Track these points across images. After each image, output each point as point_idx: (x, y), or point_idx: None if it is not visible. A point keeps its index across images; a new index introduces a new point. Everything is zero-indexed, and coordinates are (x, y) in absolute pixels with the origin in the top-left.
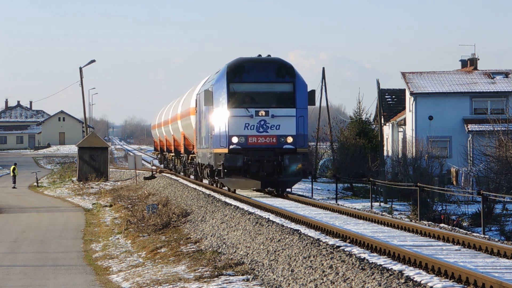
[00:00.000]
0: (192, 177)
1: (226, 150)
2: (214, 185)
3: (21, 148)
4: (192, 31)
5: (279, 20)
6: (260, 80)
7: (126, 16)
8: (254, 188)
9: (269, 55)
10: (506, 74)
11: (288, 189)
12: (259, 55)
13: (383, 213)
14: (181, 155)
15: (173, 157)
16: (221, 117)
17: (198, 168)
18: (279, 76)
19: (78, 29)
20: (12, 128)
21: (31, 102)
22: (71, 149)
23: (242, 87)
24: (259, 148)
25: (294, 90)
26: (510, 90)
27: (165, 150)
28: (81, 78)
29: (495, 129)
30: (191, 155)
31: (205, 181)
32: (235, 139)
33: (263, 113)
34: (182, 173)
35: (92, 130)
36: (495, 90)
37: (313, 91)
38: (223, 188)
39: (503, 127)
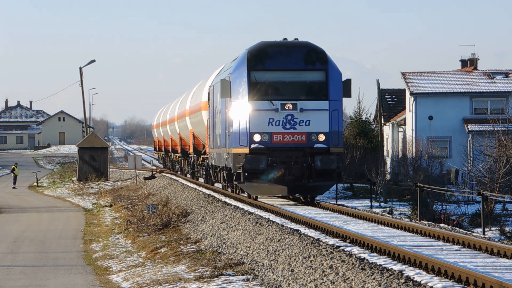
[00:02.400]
0: (201, 180)
1: (246, 150)
2: (230, 190)
3: (21, 148)
4: (192, 31)
5: (279, 20)
6: (286, 68)
7: (126, 16)
8: (279, 195)
9: (296, 39)
10: (506, 74)
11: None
12: (285, 39)
13: (383, 213)
14: (190, 155)
15: (179, 158)
16: (241, 112)
17: (211, 171)
18: (308, 63)
19: (78, 29)
20: (12, 128)
21: (31, 102)
22: (71, 149)
23: (265, 76)
24: (285, 148)
25: (327, 79)
26: (510, 90)
27: (170, 150)
28: (81, 78)
29: (495, 129)
30: (203, 156)
31: (217, 185)
32: (257, 137)
33: (290, 106)
34: (189, 175)
35: (92, 130)
36: (495, 90)
37: (348, 81)
38: (241, 194)
39: (503, 127)
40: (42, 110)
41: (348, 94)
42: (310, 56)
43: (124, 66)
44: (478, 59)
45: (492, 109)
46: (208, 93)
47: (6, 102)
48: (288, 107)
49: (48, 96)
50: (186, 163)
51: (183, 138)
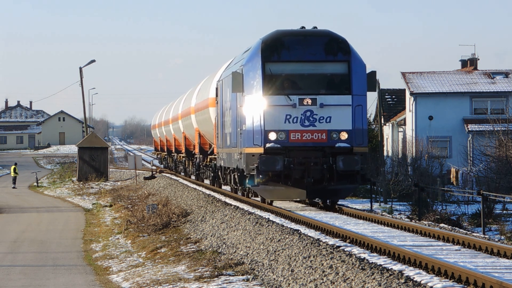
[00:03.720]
0: (207, 182)
1: (261, 150)
2: (239, 193)
3: (21, 148)
4: (192, 31)
5: (279, 21)
6: (305, 59)
7: (126, 17)
8: (297, 199)
9: (315, 27)
10: (506, 74)
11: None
12: (302, 27)
13: (383, 213)
14: (195, 156)
15: (183, 159)
16: (255, 107)
17: (220, 173)
18: (329, 53)
19: (78, 29)
20: (12, 128)
21: (31, 102)
22: (71, 149)
23: (281, 68)
24: (304, 147)
25: (350, 71)
26: (510, 90)
27: (173, 150)
28: (81, 78)
29: (495, 129)
30: (210, 157)
31: (225, 188)
32: (272, 136)
33: (309, 101)
34: (193, 177)
35: (92, 130)
36: (495, 90)
37: (373, 73)
38: (253, 198)
39: (503, 127)
40: (42, 110)
41: (372, 87)
42: (331, 46)
43: (124, 66)
44: (478, 59)
45: (492, 109)
46: (217, 88)
47: (6, 102)
48: (307, 102)
49: (48, 96)
50: (190, 164)
51: (187, 138)
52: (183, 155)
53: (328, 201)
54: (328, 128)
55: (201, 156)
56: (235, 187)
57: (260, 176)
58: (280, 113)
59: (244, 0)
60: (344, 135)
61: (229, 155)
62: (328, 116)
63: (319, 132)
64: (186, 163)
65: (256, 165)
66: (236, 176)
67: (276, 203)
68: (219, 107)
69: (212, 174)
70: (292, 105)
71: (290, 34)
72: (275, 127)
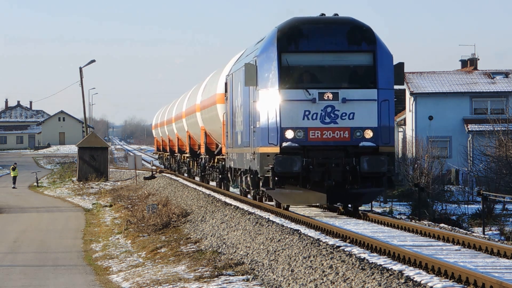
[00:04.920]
0: (213, 184)
1: (277, 149)
2: (250, 196)
3: (21, 148)
4: (192, 32)
5: (277, 20)
6: (325, 49)
7: (126, 17)
8: (317, 204)
9: (335, 14)
10: (506, 74)
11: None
12: (322, 14)
13: (383, 213)
14: (201, 156)
15: (187, 159)
16: (270, 103)
17: (229, 174)
18: (352, 43)
19: (78, 30)
20: (12, 128)
21: (31, 102)
22: (71, 149)
23: (299, 59)
24: (324, 147)
25: (375, 63)
26: (510, 90)
27: (176, 151)
28: (81, 78)
29: (495, 129)
30: (218, 157)
31: (233, 191)
32: (290, 134)
33: (330, 96)
34: (198, 178)
35: (92, 130)
36: (495, 90)
37: (401, 65)
38: (267, 202)
39: (503, 127)
40: (42, 110)
41: (400, 81)
42: (354, 34)
43: (124, 66)
44: (478, 59)
45: (492, 109)
46: (226, 83)
47: (6, 102)
48: (328, 96)
49: (48, 96)
50: (195, 164)
51: (192, 137)
52: (187, 155)
53: (350, 206)
54: (351, 126)
55: (207, 156)
56: (246, 190)
57: (276, 178)
58: (298, 109)
59: (244, 0)
60: (369, 133)
61: (240, 155)
62: (351, 112)
63: (341, 130)
64: (191, 163)
65: (271, 166)
66: (248, 179)
67: (292, 208)
68: (229, 104)
69: (220, 176)
70: (311, 100)
71: (308, 21)
72: (292, 125)
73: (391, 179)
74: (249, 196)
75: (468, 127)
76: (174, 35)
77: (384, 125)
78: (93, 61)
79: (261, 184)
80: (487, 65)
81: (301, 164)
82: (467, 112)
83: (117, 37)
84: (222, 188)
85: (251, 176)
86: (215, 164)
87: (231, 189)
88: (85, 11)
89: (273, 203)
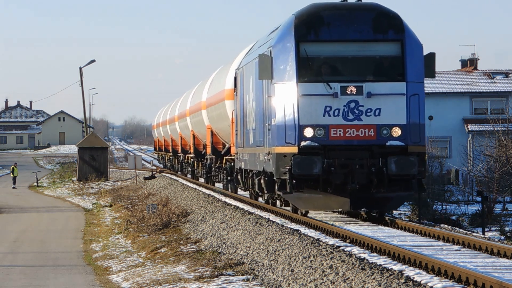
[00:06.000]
0: (219, 185)
1: (295, 149)
2: (260, 200)
3: (21, 148)
4: (192, 32)
5: (276, 20)
6: (348, 38)
7: (127, 17)
8: (340, 209)
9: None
10: (506, 74)
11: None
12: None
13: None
14: (207, 157)
15: (191, 160)
16: (287, 97)
17: (240, 176)
18: (378, 31)
19: (78, 30)
20: (12, 128)
21: (31, 102)
22: (71, 149)
23: (319, 49)
24: (347, 146)
25: (404, 53)
26: (510, 90)
27: (179, 151)
28: (81, 78)
29: (495, 129)
30: (226, 158)
31: (242, 193)
32: (309, 132)
33: (354, 90)
34: (202, 180)
35: (92, 130)
36: (495, 90)
37: (432, 55)
38: (283, 208)
39: (503, 127)
40: (42, 110)
41: (431, 73)
42: (381, 21)
43: (124, 66)
44: (478, 59)
45: (492, 109)
46: (235, 78)
47: (6, 102)
48: (351, 91)
49: (48, 96)
50: (200, 165)
51: (196, 136)
52: (192, 155)
53: (374, 212)
54: (377, 123)
55: (213, 157)
56: (259, 193)
57: (294, 181)
58: (318, 105)
59: (244, 0)
60: (397, 131)
61: (252, 155)
62: (377, 108)
63: (366, 127)
64: (195, 164)
65: (288, 167)
66: (262, 181)
67: (311, 213)
68: (239, 100)
69: (228, 178)
70: (333, 94)
71: (330, 7)
72: (311, 122)
73: (421, 182)
74: (260, 199)
75: (468, 127)
76: (174, 36)
77: (414, 122)
78: (93, 61)
79: (276, 187)
80: (487, 65)
81: (321, 166)
82: (467, 112)
83: (117, 37)
84: (230, 190)
85: (265, 178)
86: (224, 165)
87: (239, 191)
88: (85, 11)
89: (288, 208)
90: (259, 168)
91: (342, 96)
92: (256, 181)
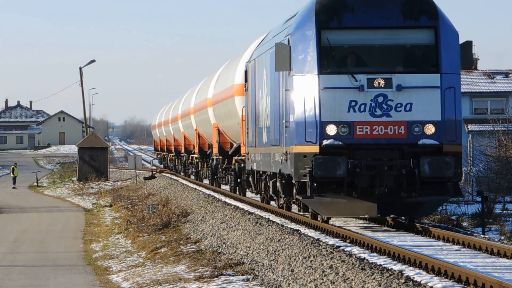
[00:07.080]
0: (225, 187)
1: (316, 149)
2: (273, 204)
3: (21, 148)
4: (192, 31)
5: (276, 20)
6: (375, 25)
7: (126, 17)
8: (366, 216)
9: None
10: (506, 74)
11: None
12: None
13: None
14: (213, 157)
15: (196, 160)
16: (306, 91)
17: (251, 179)
18: (409, 17)
19: (78, 31)
20: (12, 128)
21: (31, 102)
22: (71, 149)
23: (343, 37)
24: (375, 145)
25: (438, 42)
26: (510, 90)
27: (182, 151)
28: (81, 78)
29: (495, 129)
30: (236, 158)
31: (250, 195)
32: (331, 129)
33: (382, 82)
34: (207, 181)
35: (92, 130)
36: (495, 90)
37: (469, 44)
38: (301, 213)
39: (503, 127)
40: (42, 110)
41: (468, 63)
42: (411, 6)
43: (124, 66)
44: (478, 59)
45: (492, 109)
46: (246, 72)
47: (6, 102)
48: (379, 83)
49: (48, 96)
50: (205, 166)
51: (201, 136)
52: (196, 156)
53: (403, 218)
54: (409, 119)
55: (220, 157)
56: (274, 197)
57: (315, 184)
58: (341, 99)
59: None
60: (430, 129)
61: (266, 155)
62: (408, 103)
63: (395, 124)
64: (199, 165)
65: (309, 169)
66: (278, 184)
67: (332, 219)
68: (250, 95)
69: (238, 180)
70: (359, 87)
71: None
72: (335, 118)
73: (457, 185)
74: (272, 203)
75: (468, 127)
76: (174, 36)
77: (449, 118)
78: (93, 61)
79: (295, 191)
80: (487, 65)
81: (346, 167)
82: (467, 112)
83: (117, 38)
84: (238, 193)
85: (282, 181)
86: (233, 166)
87: (248, 194)
88: (85, 12)
89: (307, 214)
90: (274, 169)
91: (368, 89)
92: (270, 184)
